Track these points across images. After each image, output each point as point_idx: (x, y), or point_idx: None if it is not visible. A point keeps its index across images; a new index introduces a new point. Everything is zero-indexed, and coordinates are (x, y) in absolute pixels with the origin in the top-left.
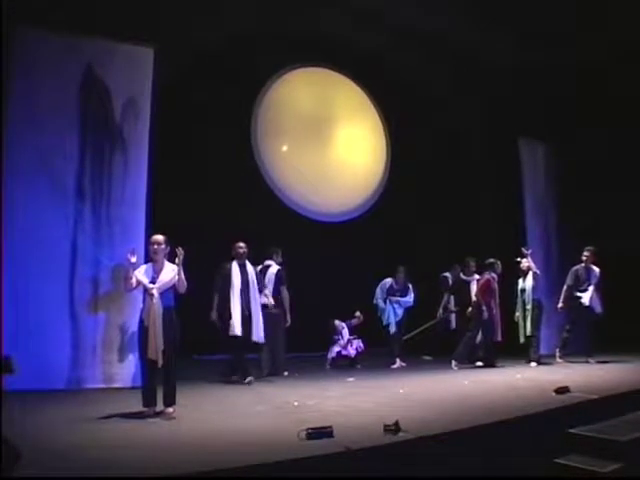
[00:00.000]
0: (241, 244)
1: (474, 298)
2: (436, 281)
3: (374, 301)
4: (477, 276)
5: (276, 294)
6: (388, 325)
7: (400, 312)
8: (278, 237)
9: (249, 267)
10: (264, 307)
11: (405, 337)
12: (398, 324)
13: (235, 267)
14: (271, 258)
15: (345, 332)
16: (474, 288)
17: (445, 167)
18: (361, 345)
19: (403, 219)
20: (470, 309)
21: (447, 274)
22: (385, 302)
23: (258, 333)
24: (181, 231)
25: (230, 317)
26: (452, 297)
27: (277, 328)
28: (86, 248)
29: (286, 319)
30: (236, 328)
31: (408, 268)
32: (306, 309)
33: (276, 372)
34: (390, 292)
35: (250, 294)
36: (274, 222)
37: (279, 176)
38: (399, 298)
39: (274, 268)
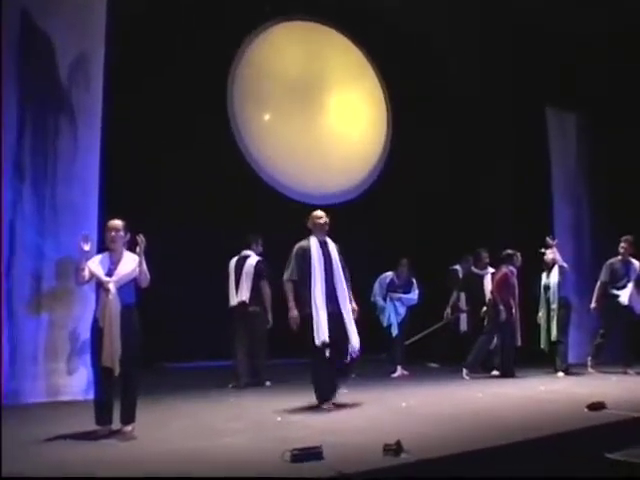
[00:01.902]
0: (320, 213)
1: (489, 295)
2: (444, 275)
3: (372, 298)
4: (492, 270)
5: (256, 290)
6: (388, 327)
7: (402, 311)
8: (258, 223)
9: (332, 246)
10: (241, 305)
11: (408, 341)
12: (400, 326)
13: (315, 245)
14: (250, 247)
15: None
16: (489, 284)
17: (457, 141)
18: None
19: (406, 202)
20: (484, 308)
21: (457, 267)
22: (385, 300)
23: (355, 341)
24: (143, 216)
25: (311, 317)
26: (463, 294)
27: (257, 329)
28: (26, 236)
29: (267, 319)
30: (322, 332)
31: (412, 260)
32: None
33: (256, 382)
34: (391, 288)
35: (336, 282)
36: (253, 205)
37: (260, 151)
38: (401, 295)
39: (253, 259)
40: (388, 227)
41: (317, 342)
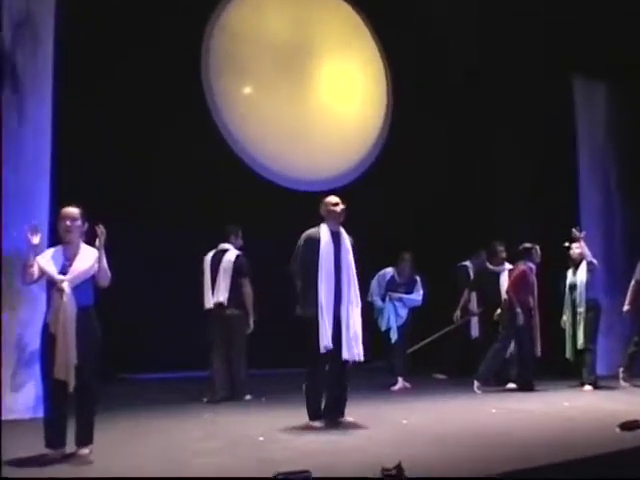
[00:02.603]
0: (335, 199)
1: (504, 296)
2: (453, 273)
3: (369, 298)
4: (508, 266)
5: (235, 289)
6: (387, 331)
7: (404, 314)
8: (238, 212)
9: (345, 238)
10: (218, 307)
11: (410, 349)
12: (401, 330)
13: (326, 235)
14: (228, 240)
15: None
16: (505, 282)
17: (467, 117)
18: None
19: (409, 188)
20: (499, 311)
21: (467, 263)
22: (384, 300)
23: (351, 348)
24: (103, 203)
25: (316, 319)
26: (474, 294)
27: (236, 335)
28: None
29: (248, 323)
30: (327, 337)
31: (415, 254)
32: (276, 309)
33: (235, 395)
34: (391, 287)
35: (345, 281)
36: (232, 191)
37: (240, 128)
38: (403, 295)
39: (232, 254)
40: (388, 217)
41: (321, 348)
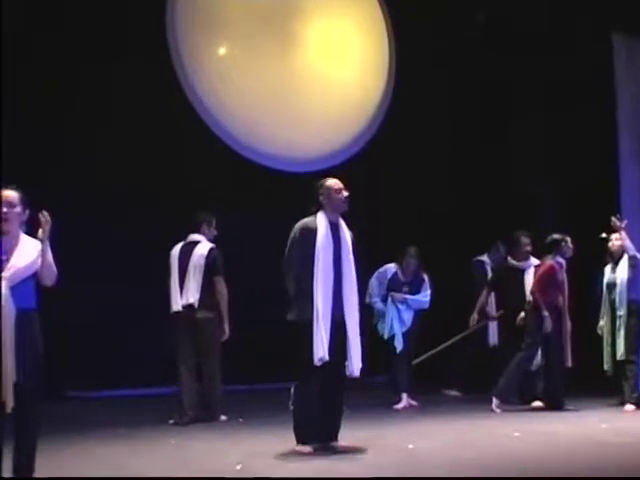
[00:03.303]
0: (338, 182)
1: (529, 297)
2: (467, 269)
3: (367, 300)
4: (534, 261)
5: (208, 289)
6: (390, 339)
7: (409, 318)
8: (212, 197)
9: (346, 231)
10: (187, 310)
11: (417, 360)
12: (406, 338)
13: (325, 227)
14: (199, 231)
15: None
16: (529, 281)
17: (484, 84)
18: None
19: (414, 168)
20: (522, 314)
21: (484, 258)
22: (385, 302)
23: (356, 360)
24: (48, 186)
25: (310, 325)
26: (493, 295)
27: (209, 343)
28: None
29: (223, 328)
30: (323, 347)
31: (422, 248)
32: (258, 313)
33: (208, 415)
34: (393, 286)
35: (345, 281)
36: (205, 172)
37: (214, 97)
38: (407, 296)
39: (204, 247)
40: (389, 203)
41: (315, 360)
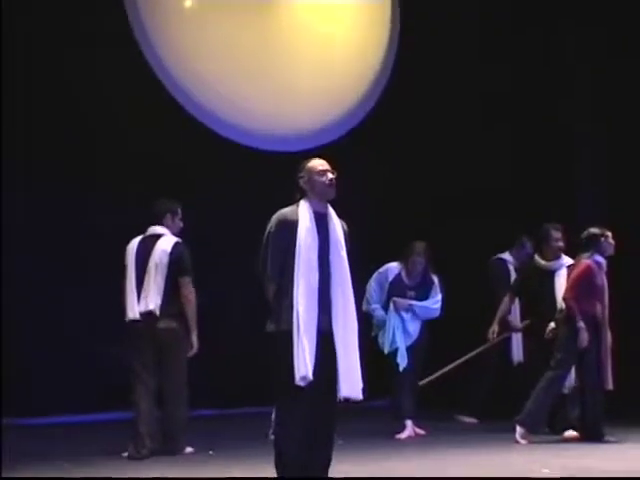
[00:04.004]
0: (321, 163)
1: (561, 304)
2: (485, 270)
3: (364, 307)
4: (567, 260)
5: (172, 292)
6: (392, 355)
7: (415, 329)
8: (177, 182)
9: (336, 223)
10: (147, 318)
11: (424, 380)
12: (412, 353)
13: (306, 217)
14: (161, 222)
15: None
16: (561, 284)
17: (508, 47)
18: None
19: (424, 145)
20: (553, 325)
21: (506, 256)
22: (387, 310)
23: (350, 380)
24: None
25: (289, 337)
26: (517, 301)
27: (172, 359)
28: None
29: (191, 342)
30: (305, 363)
31: (432, 243)
32: (233, 323)
33: (170, 447)
34: (397, 290)
35: (335, 283)
36: (170, 151)
37: (181, 63)
38: (413, 302)
39: (167, 242)
40: (390, 190)
41: (296, 379)
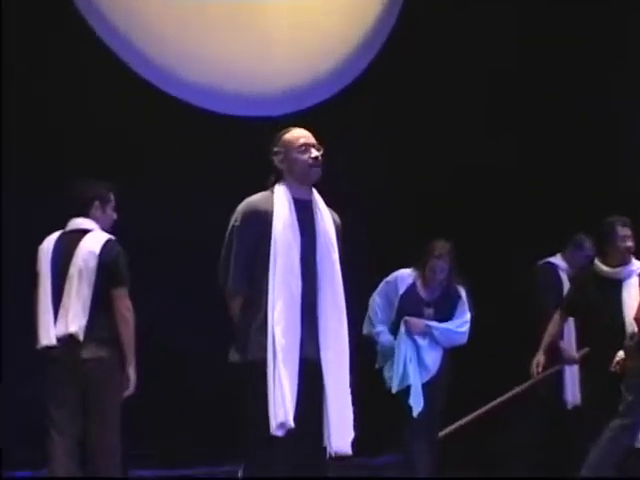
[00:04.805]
0: (302, 135)
1: (631, 325)
2: (527, 278)
3: (366, 330)
4: (638, 266)
5: (101, 310)
6: (403, 395)
7: (434, 360)
8: (116, 157)
9: (326, 215)
10: (65, 341)
11: (446, 430)
12: (430, 392)
13: (284, 207)
14: (85, 213)
15: None
16: (632, 299)
17: None
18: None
19: (435, 108)
20: (621, 355)
21: (556, 260)
22: (396, 333)
23: (343, 431)
24: None
25: (263, 372)
26: (571, 322)
27: (102, 400)
28: None
29: (126, 376)
30: (283, 405)
31: (458, 243)
32: (185, 349)
33: None
34: (409, 305)
35: (323, 294)
36: (110, 118)
37: (124, 13)
38: (432, 323)
39: (95, 239)
40: (398, 165)
41: (272, 427)
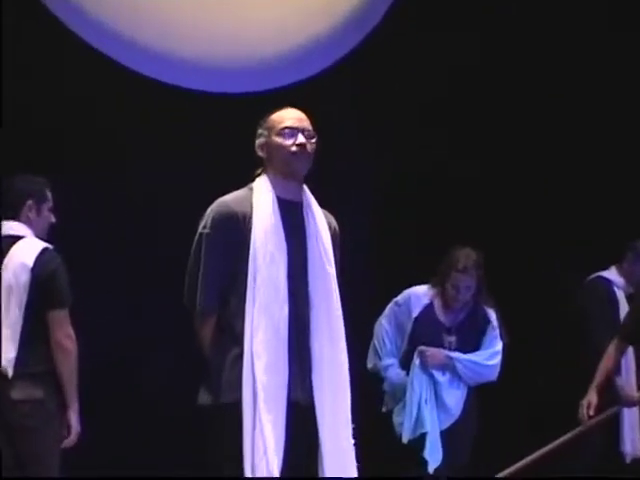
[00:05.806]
0: (291, 115)
1: None
2: (575, 296)
3: (370, 362)
4: None
5: (34, 338)
6: (416, 444)
7: (457, 401)
8: (73, 143)
9: (319, 217)
10: None
11: None
12: (450, 441)
13: (266, 208)
14: (17, 217)
15: None
16: None
17: None
18: None
19: (451, 84)
20: None
21: (612, 275)
22: (408, 367)
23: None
24: None
25: (239, 418)
26: (631, 352)
27: (36, 453)
28: None
29: (66, 422)
30: (264, 461)
31: (489, 253)
32: (143, 388)
33: None
34: (426, 332)
35: (315, 322)
36: (72, 94)
37: None
38: (455, 354)
39: (28, 248)
40: (408, 155)
41: None
